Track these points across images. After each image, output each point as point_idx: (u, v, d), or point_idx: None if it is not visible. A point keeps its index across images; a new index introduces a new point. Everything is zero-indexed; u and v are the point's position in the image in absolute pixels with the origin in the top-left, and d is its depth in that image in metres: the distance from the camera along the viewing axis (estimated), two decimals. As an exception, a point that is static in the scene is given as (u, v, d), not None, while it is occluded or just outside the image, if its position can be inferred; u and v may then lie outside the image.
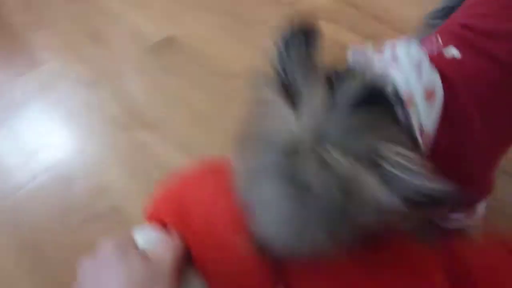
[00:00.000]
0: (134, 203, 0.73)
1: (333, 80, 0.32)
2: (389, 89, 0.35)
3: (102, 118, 0.89)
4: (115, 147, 0.83)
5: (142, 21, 1.09)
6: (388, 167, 0.28)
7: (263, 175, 0.31)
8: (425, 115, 0.37)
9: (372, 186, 0.28)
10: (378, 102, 0.32)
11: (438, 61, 0.39)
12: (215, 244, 0.38)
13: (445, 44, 0.41)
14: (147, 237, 0.40)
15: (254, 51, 0.90)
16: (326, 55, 0.34)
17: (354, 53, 0.42)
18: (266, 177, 0.31)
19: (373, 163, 0.29)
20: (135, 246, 0.37)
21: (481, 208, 0.46)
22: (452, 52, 0.40)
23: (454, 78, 0.38)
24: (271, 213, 0.32)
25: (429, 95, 0.38)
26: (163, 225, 0.41)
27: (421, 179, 0.28)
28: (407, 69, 0.38)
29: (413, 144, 0.35)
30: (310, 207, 0.30)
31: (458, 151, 0.40)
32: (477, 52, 0.40)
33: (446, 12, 0.51)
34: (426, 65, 0.39)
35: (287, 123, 0.30)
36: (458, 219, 0.46)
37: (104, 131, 0.86)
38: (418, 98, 0.37)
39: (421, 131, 0.37)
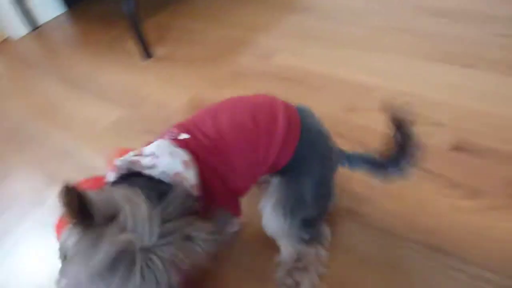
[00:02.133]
0: None
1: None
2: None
3: None
4: None
5: (92, 157, 1.18)
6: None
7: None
8: (190, 177, 0.59)
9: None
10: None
11: (177, 142, 0.63)
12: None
13: (178, 132, 0.65)
14: None
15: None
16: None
17: (121, 161, 0.59)
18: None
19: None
20: None
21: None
22: (184, 135, 0.65)
23: (190, 147, 0.63)
24: None
25: (186, 163, 0.60)
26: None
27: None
28: (165, 157, 0.59)
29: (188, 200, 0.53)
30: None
31: (209, 186, 0.62)
32: (197, 133, 0.65)
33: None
34: (172, 147, 0.61)
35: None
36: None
37: None
38: (182, 169, 0.58)
39: (193, 186, 0.59)
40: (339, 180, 0.74)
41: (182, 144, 0.62)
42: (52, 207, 1.04)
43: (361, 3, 1.50)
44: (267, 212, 0.70)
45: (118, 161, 0.59)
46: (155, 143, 0.62)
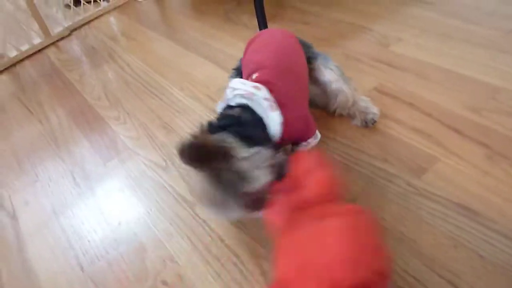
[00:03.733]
0: (196, 272, 0.83)
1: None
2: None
3: (171, 196, 1.02)
4: (181, 222, 0.95)
5: (206, 113, 1.26)
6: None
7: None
8: (278, 116, 0.77)
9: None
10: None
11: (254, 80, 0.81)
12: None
13: (251, 73, 0.84)
14: None
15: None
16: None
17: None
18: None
19: None
20: None
21: (315, 138, 0.88)
22: (255, 75, 0.83)
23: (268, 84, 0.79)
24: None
25: (272, 107, 0.77)
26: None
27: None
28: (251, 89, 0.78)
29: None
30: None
31: (292, 126, 0.79)
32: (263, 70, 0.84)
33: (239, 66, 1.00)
34: (264, 89, 0.78)
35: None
36: (305, 145, 0.88)
37: (172, 207, 0.99)
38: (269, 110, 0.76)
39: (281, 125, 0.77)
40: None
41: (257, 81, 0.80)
42: (165, 152, 1.15)
43: (492, 5, 1.40)
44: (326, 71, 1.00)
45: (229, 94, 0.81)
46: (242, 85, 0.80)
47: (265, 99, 0.76)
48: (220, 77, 1.39)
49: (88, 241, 0.96)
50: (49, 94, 1.62)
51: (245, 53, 0.99)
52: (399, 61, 1.23)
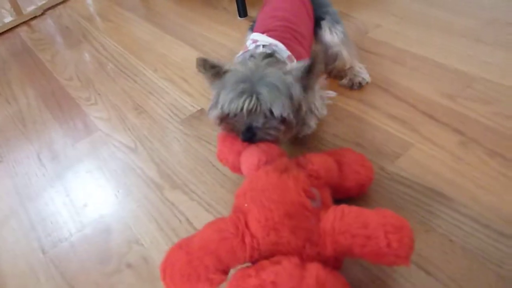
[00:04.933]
0: (161, 255, 0.78)
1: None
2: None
3: (139, 179, 0.98)
4: (149, 205, 0.91)
5: (179, 96, 1.23)
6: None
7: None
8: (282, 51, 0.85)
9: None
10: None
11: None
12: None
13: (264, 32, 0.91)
14: None
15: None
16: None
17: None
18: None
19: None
20: None
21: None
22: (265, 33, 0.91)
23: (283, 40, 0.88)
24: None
25: (289, 58, 0.85)
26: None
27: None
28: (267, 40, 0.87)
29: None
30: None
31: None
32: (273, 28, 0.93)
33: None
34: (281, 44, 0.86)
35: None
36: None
37: (140, 190, 0.96)
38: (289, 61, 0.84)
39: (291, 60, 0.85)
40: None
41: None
42: (136, 134, 1.11)
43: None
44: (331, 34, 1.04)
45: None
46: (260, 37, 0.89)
47: (285, 51, 0.84)
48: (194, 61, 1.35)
49: (51, 222, 0.92)
50: (18, 74, 1.55)
51: (261, 12, 1.05)
52: (376, 48, 1.22)
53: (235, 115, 0.76)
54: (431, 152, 0.87)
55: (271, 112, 0.74)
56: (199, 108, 1.14)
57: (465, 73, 1.06)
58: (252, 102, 0.72)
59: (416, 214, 0.76)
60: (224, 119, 0.78)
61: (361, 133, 0.94)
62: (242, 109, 0.73)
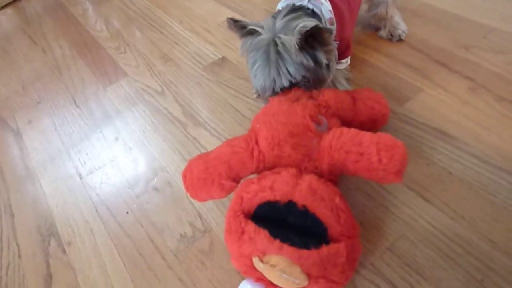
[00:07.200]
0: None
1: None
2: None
3: (165, 117, 1.07)
4: (174, 139, 1.00)
5: (203, 45, 1.29)
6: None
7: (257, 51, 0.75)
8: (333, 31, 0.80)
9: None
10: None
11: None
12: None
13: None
14: None
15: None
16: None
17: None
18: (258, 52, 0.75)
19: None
20: None
21: (347, 62, 0.92)
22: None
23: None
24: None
25: (330, 21, 0.83)
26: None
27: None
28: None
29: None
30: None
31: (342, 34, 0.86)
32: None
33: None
34: (328, 4, 0.83)
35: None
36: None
37: (166, 127, 1.04)
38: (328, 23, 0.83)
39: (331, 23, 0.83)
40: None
41: None
42: (162, 79, 1.19)
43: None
44: None
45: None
46: None
47: (329, 11, 0.82)
48: (219, 14, 1.40)
49: (87, 154, 1.02)
50: (52, 26, 1.64)
51: None
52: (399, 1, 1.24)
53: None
54: (440, 97, 0.91)
55: (291, 74, 0.73)
56: (220, 56, 1.20)
57: (482, 25, 1.07)
58: (270, 78, 0.74)
59: (419, 149, 0.81)
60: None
61: (374, 79, 0.99)
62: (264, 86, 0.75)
